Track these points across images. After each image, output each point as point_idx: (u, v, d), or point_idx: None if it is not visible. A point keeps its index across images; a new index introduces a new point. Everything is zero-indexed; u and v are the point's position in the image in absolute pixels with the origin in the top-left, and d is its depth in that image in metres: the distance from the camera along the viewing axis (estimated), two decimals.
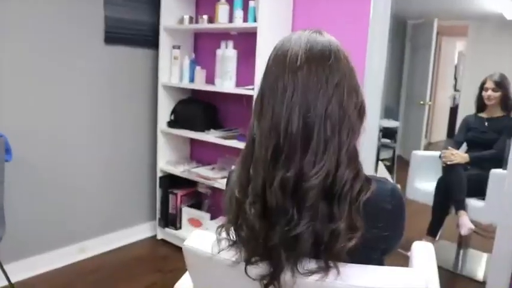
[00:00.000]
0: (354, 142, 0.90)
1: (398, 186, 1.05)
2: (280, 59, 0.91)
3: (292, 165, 0.86)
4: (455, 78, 7.47)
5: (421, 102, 5.66)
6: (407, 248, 1.36)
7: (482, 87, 3.23)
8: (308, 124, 0.86)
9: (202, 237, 1.03)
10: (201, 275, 1.09)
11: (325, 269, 0.85)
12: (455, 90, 7.30)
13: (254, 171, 0.91)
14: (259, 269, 0.90)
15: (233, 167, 1.16)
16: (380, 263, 1.04)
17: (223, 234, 0.97)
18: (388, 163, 5.01)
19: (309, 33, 0.93)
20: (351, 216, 0.85)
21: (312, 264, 0.86)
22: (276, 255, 0.87)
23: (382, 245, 0.99)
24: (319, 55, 0.89)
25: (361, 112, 0.93)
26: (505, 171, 2.26)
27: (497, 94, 3.15)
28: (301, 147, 0.86)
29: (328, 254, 0.85)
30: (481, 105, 3.28)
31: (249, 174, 0.92)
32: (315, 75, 0.87)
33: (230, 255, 0.94)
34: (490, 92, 3.16)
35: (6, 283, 2.39)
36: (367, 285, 0.86)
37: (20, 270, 2.67)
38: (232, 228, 0.96)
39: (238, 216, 0.93)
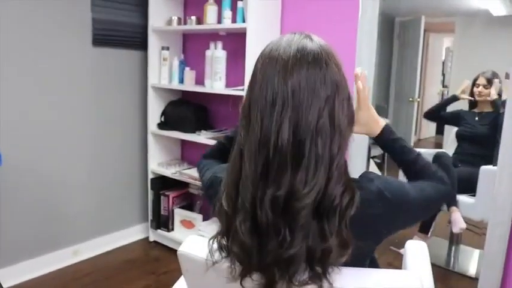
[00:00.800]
0: (344, 155, 0.87)
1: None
2: (268, 68, 0.86)
3: (282, 182, 0.82)
4: (443, 74, 7.51)
5: (410, 99, 5.68)
6: (401, 245, 1.37)
7: (474, 84, 3.32)
8: (299, 139, 0.82)
9: (197, 243, 1.03)
10: (196, 281, 1.09)
11: (319, 279, 0.84)
12: (443, 86, 7.34)
13: (243, 187, 0.87)
14: (253, 282, 0.88)
15: (209, 174, 1.13)
16: (373, 262, 1.05)
17: (216, 246, 0.94)
18: (378, 160, 5.02)
19: (298, 39, 0.88)
20: (341, 231, 0.83)
21: (306, 275, 0.85)
22: (269, 274, 0.85)
23: (374, 246, 0.99)
24: (310, 65, 0.85)
25: (351, 122, 0.91)
26: (495, 167, 2.27)
27: (488, 91, 3.22)
28: (291, 164, 0.82)
29: (321, 267, 0.84)
30: (472, 101, 3.35)
31: (238, 188, 0.88)
32: (305, 87, 0.83)
33: (225, 265, 0.92)
34: (481, 88, 3.25)
35: None
36: None
37: (13, 275, 2.65)
38: (224, 240, 0.93)
39: (229, 231, 0.90)
